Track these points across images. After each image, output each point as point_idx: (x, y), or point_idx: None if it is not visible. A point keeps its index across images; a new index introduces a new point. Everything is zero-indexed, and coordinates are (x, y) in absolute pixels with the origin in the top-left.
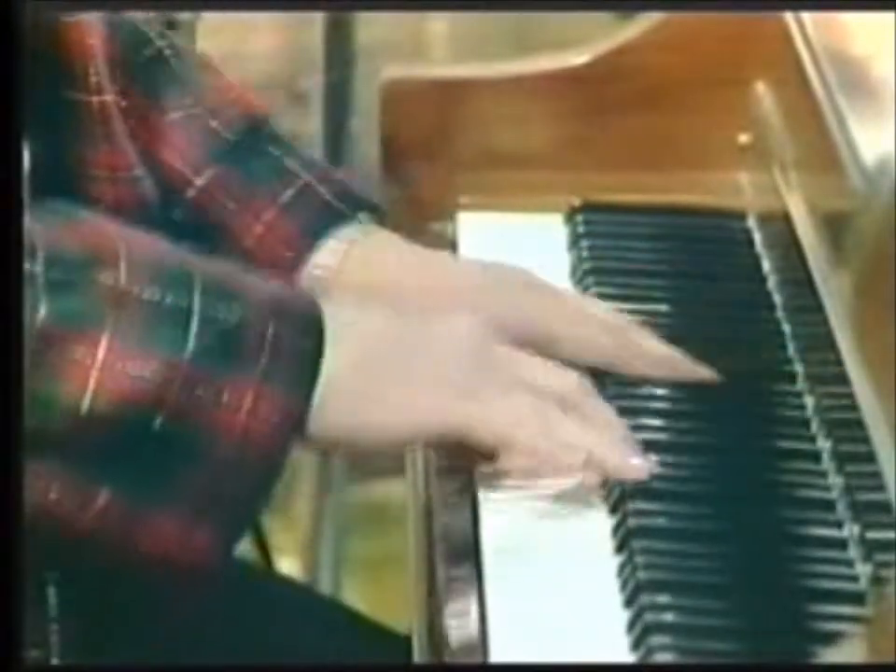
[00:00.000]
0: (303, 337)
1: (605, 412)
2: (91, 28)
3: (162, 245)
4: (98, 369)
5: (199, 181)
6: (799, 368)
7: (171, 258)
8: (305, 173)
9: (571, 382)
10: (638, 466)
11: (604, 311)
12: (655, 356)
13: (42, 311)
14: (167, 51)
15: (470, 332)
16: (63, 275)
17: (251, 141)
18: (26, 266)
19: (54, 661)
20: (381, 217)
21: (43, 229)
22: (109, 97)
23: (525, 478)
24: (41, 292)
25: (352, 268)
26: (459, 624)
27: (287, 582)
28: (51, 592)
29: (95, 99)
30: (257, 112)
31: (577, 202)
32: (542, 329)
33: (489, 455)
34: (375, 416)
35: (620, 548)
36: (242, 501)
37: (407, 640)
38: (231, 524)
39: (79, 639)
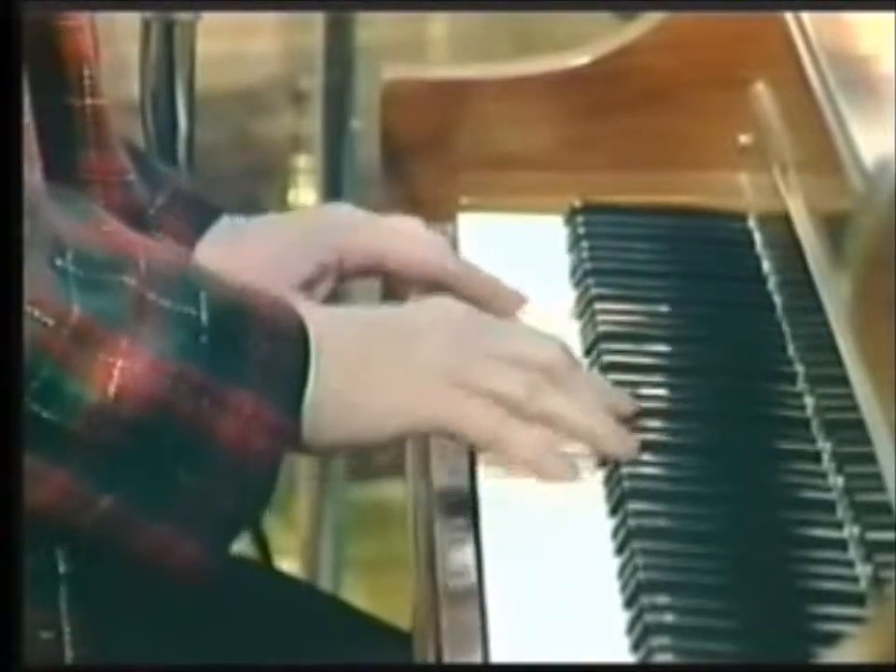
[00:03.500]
0: (292, 354)
1: (592, 382)
2: (86, 31)
3: (173, 254)
4: (120, 370)
5: None
6: (799, 368)
7: (181, 267)
8: (171, 177)
9: (555, 352)
10: (627, 439)
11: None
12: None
13: (76, 308)
14: None
15: (449, 315)
16: (93, 274)
17: None
18: (57, 261)
19: (65, 643)
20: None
21: (68, 226)
22: (102, 101)
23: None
24: (73, 288)
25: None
26: (460, 624)
27: (287, 580)
28: (62, 572)
29: (89, 103)
30: None
31: (577, 202)
32: (375, 253)
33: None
34: (365, 419)
35: (620, 549)
36: (234, 513)
37: (408, 637)
38: (221, 535)
39: (89, 623)
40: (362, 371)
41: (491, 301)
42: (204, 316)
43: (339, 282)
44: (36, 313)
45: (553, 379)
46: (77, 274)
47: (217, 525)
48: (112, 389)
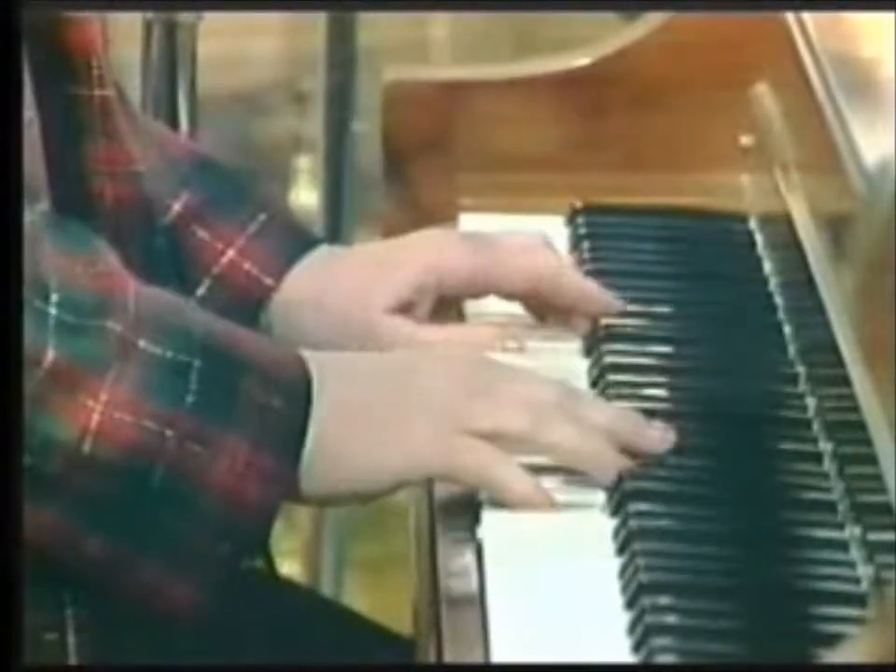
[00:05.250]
0: (291, 405)
1: (602, 413)
2: (93, 23)
3: (167, 297)
4: (100, 414)
5: (175, 207)
6: (800, 369)
7: (175, 312)
8: (269, 201)
9: (557, 390)
10: (630, 469)
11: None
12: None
13: (51, 351)
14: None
15: (451, 361)
16: (75, 319)
17: (210, 173)
18: (36, 303)
19: (69, 644)
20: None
21: (59, 263)
22: (110, 91)
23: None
24: (50, 332)
25: (301, 289)
26: (460, 625)
27: (289, 585)
28: (66, 581)
29: (97, 93)
30: (200, 150)
31: (578, 203)
32: (469, 274)
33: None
34: (364, 471)
35: (621, 550)
36: (226, 559)
37: (409, 643)
38: (214, 578)
39: (94, 624)
40: (363, 421)
41: (586, 309)
42: (197, 363)
43: (437, 303)
44: None
45: (554, 414)
46: (59, 317)
47: (209, 569)
48: (91, 434)
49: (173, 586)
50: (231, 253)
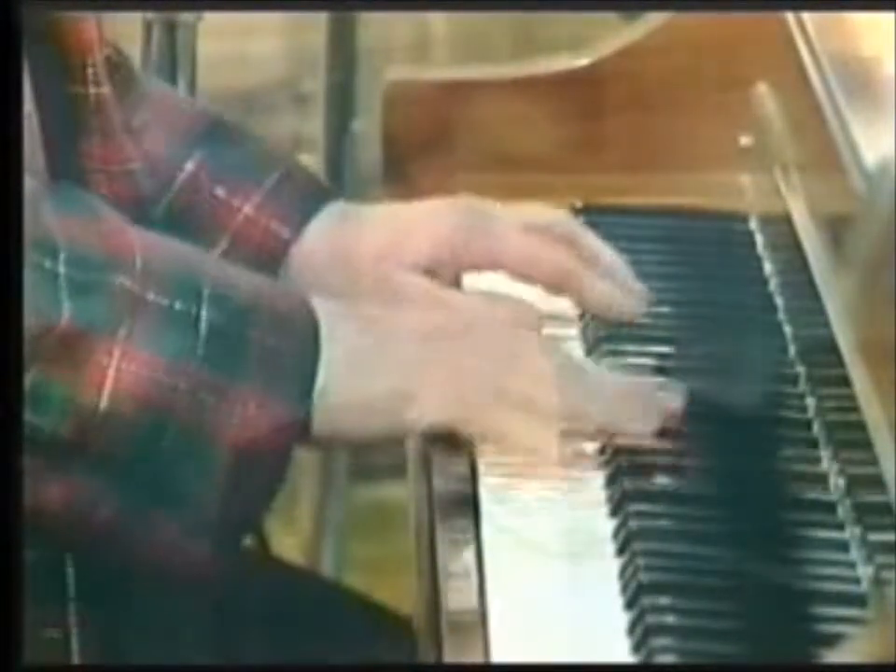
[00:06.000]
0: (300, 348)
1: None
2: (89, 21)
3: (175, 249)
4: (114, 371)
5: (187, 166)
6: (800, 369)
7: (182, 263)
8: (284, 157)
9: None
10: (648, 418)
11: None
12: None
13: (64, 311)
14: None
15: (468, 319)
16: (84, 276)
17: (223, 132)
18: (46, 264)
19: (72, 641)
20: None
21: (63, 224)
22: (106, 90)
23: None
24: (62, 291)
25: (322, 242)
26: (460, 625)
27: (288, 567)
28: (69, 571)
29: (92, 91)
30: (214, 111)
31: (579, 204)
32: (492, 252)
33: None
34: (370, 413)
35: (621, 550)
36: (243, 509)
37: (406, 620)
38: (232, 531)
39: (96, 621)
40: (371, 366)
41: (606, 316)
42: (205, 313)
43: (454, 276)
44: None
45: (565, 384)
46: (69, 276)
47: (226, 524)
48: (106, 394)
49: (191, 543)
50: (247, 209)
